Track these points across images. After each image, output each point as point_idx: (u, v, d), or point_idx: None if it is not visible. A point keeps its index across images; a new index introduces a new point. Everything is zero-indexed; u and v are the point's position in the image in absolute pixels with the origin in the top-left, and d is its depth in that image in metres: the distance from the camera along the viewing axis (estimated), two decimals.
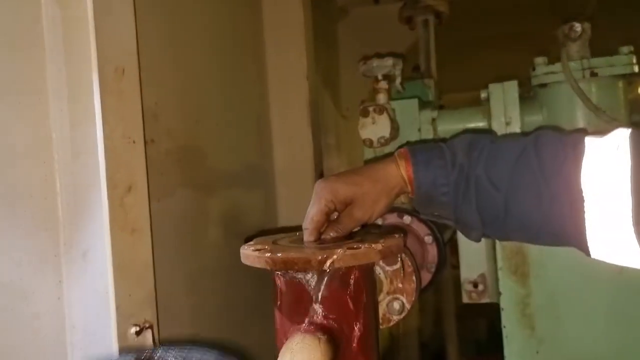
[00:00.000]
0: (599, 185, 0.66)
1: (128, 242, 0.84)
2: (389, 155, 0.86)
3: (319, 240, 0.76)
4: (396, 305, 0.93)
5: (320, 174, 1.76)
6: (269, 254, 0.62)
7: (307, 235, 0.78)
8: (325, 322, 0.63)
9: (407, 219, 1.20)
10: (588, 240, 0.70)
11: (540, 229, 0.72)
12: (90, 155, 0.89)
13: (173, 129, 1.20)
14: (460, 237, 1.22)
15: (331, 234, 0.78)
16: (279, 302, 0.67)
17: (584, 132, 0.83)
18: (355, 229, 0.83)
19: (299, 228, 0.81)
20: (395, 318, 0.94)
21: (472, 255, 1.18)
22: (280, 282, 0.66)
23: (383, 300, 0.94)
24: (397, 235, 0.71)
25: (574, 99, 1.05)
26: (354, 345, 0.64)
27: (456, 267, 1.62)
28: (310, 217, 0.79)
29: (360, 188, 0.81)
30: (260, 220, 1.56)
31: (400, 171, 0.83)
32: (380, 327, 0.95)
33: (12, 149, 0.87)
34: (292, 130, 1.72)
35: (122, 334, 0.82)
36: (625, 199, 0.65)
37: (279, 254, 0.62)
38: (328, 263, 0.60)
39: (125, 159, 0.85)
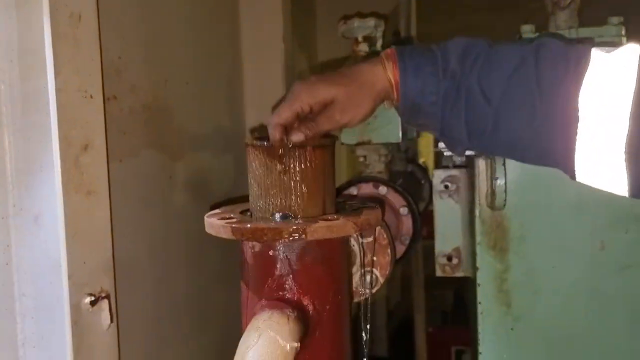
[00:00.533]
0: (598, 106, 0.63)
1: (83, 204, 0.77)
2: (375, 54, 0.79)
3: (282, 140, 0.72)
4: (369, 278, 0.89)
5: None
6: (236, 224, 0.57)
7: (271, 131, 0.74)
8: (295, 297, 0.59)
9: (382, 189, 1.16)
10: (575, 162, 0.67)
11: (528, 147, 0.69)
12: (43, 111, 0.80)
13: (138, 86, 1.11)
14: (437, 210, 1.19)
15: (301, 132, 0.72)
16: (246, 276, 0.62)
17: (591, 42, 0.78)
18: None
19: None
20: (367, 292, 0.91)
21: (448, 229, 1.16)
22: (247, 254, 0.61)
23: (356, 273, 0.90)
24: (375, 208, 0.66)
25: None
26: (325, 321, 0.60)
27: (425, 237, 1.61)
28: (279, 113, 0.74)
29: (343, 89, 0.74)
30: (231, 187, 1.50)
31: (387, 74, 0.76)
32: (353, 300, 0.92)
33: None
34: (266, 94, 1.64)
35: (75, 305, 0.76)
36: (622, 123, 0.61)
37: (248, 224, 0.56)
38: (301, 234, 0.55)
39: (81, 115, 0.77)
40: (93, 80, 0.80)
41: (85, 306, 0.77)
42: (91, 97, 0.79)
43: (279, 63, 1.61)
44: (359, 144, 1.19)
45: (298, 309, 0.57)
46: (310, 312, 0.59)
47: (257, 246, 0.59)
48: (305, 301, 0.59)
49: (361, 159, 1.23)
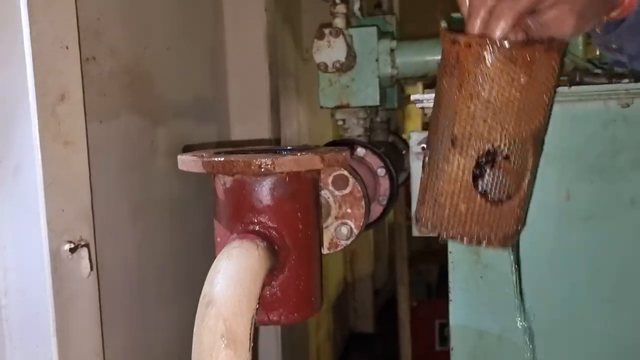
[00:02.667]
0: None
1: (61, 154, 0.78)
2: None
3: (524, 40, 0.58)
4: (344, 230, 0.92)
5: (276, 112, 1.72)
6: (206, 158, 0.59)
7: (502, 24, 0.58)
8: (265, 231, 0.61)
9: (360, 151, 1.18)
10: None
11: None
12: (19, 63, 0.81)
13: (118, 48, 1.12)
14: (413, 171, 1.21)
15: (522, 31, 0.58)
16: (217, 213, 0.64)
17: None
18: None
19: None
20: (343, 243, 0.93)
21: None
22: (219, 190, 0.63)
23: (331, 225, 0.93)
24: (343, 149, 0.68)
25: None
26: (295, 255, 0.63)
27: (410, 218, 1.62)
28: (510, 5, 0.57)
29: None
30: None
31: None
32: (328, 251, 0.94)
33: None
34: (248, 65, 1.65)
35: (54, 251, 0.78)
36: None
37: (218, 158, 0.58)
38: (269, 167, 0.57)
39: (57, 65, 0.78)
40: (68, 32, 0.80)
41: (65, 253, 0.79)
42: (67, 48, 0.79)
43: (261, 33, 1.62)
44: (337, 107, 1.21)
45: (268, 240, 0.59)
46: (280, 245, 0.61)
47: (228, 182, 0.61)
48: (275, 235, 0.61)
49: (340, 123, 1.25)
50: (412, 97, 0.85)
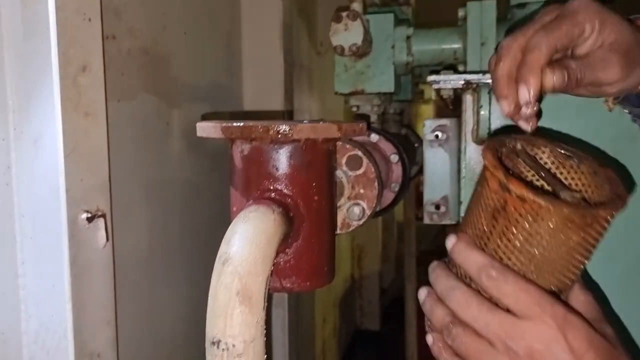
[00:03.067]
0: None
1: (81, 125, 0.80)
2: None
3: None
4: (356, 210, 0.92)
5: (290, 101, 1.73)
6: (226, 123, 0.60)
7: (534, 62, 0.54)
8: (281, 198, 0.62)
9: (374, 137, 1.18)
10: None
11: None
12: (43, 35, 0.83)
13: (137, 28, 1.14)
14: (427, 159, 1.21)
15: (555, 78, 0.54)
16: (234, 181, 0.65)
17: None
18: None
19: None
20: (355, 224, 0.94)
21: (437, 177, 1.18)
22: (236, 158, 0.64)
23: (344, 205, 0.93)
24: (361, 121, 0.69)
25: None
26: (309, 224, 0.63)
27: (420, 218, 1.61)
28: (543, 34, 0.53)
29: (628, 35, 0.56)
30: (227, 144, 1.53)
31: None
32: (340, 232, 0.95)
33: None
34: (263, 53, 1.66)
35: (72, 219, 0.79)
36: None
37: (237, 123, 0.59)
38: (288, 133, 0.58)
39: (79, 36, 0.80)
40: (91, 5, 0.82)
41: (82, 222, 0.81)
42: (89, 20, 0.81)
43: (277, 20, 1.63)
44: (352, 94, 1.22)
45: (283, 207, 0.60)
46: (295, 213, 0.62)
47: (246, 149, 0.62)
48: (291, 202, 0.62)
49: (354, 109, 1.26)
50: (429, 78, 0.86)
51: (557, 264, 0.54)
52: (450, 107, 1.18)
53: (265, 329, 0.53)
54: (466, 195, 0.89)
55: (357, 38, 1.02)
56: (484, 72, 0.83)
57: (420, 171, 1.59)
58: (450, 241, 0.59)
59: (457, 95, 0.91)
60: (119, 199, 0.97)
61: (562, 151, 0.65)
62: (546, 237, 0.52)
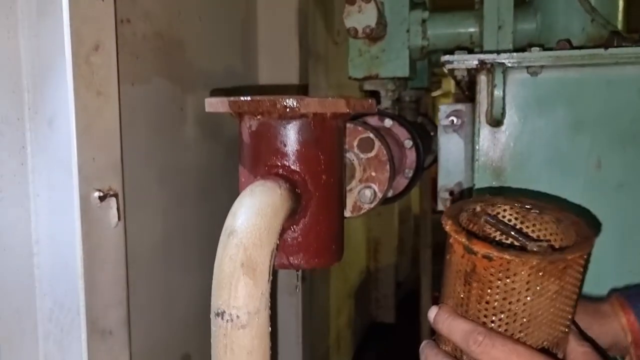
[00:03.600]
0: None
1: (94, 103, 0.80)
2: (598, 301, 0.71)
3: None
4: (368, 193, 0.91)
5: (304, 88, 1.72)
6: (233, 98, 0.59)
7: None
8: (288, 174, 0.61)
9: (388, 122, 1.17)
10: None
11: None
12: (56, 14, 0.84)
13: (152, 13, 1.14)
14: (441, 145, 1.20)
15: None
16: (242, 157, 0.65)
17: None
18: None
19: None
20: (367, 207, 0.93)
21: (451, 163, 1.17)
22: (245, 134, 0.63)
23: (355, 188, 0.93)
24: (370, 98, 0.68)
25: (571, 2, 1.01)
26: (317, 200, 0.63)
27: (437, 212, 1.59)
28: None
29: None
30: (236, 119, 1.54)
31: (619, 324, 0.66)
32: (352, 214, 0.94)
33: None
34: (279, 41, 1.66)
35: (84, 197, 0.80)
36: None
37: (244, 97, 0.59)
38: (295, 107, 0.57)
39: (92, 15, 0.80)
40: None
41: (94, 200, 0.81)
42: (102, 0, 0.81)
43: (292, 9, 1.63)
44: (366, 78, 1.21)
45: (290, 183, 0.60)
46: (303, 190, 0.61)
47: (254, 124, 0.61)
48: (298, 178, 0.61)
49: (368, 95, 1.25)
50: (443, 58, 0.84)
51: (542, 317, 0.53)
52: (466, 92, 1.17)
53: (271, 302, 0.53)
54: (479, 180, 0.88)
55: (370, 20, 1.01)
56: (498, 52, 0.81)
57: (436, 160, 1.57)
58: (432, 313, 0.59)
59: (472, 78, 0.89)
60: (132, 181, 0.98)
61: (522, 205, 0.65)
62: (523, 292, 0.51)
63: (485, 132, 0.88)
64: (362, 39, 1.08)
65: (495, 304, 0.53)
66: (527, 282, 0.52)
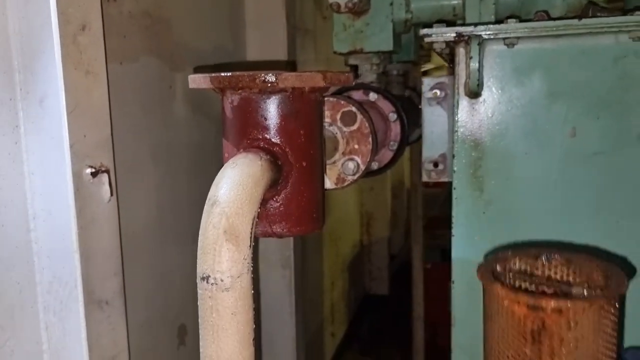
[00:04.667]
0: None
1: (82, 82, 0.83)
2: None
3: None
4: (351, 165, 0.94)
5: (292, 64, 1.74)
6: (215, 74, 0.62)
7: None
8: (269, 147, 0.64)
9: (372, 96, 1.20)
10: None
11: None
12: None
13: None
14: (425, 117, 1.22)
15: None
16: (226, 131, 0.68)
17: None
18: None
19: None
20: (350, 178, 0.96)
21: (435, 135, 1.19)
22: (227, 109, 0.66)
23: (339, 161, 0.96)
24: (346, 71, 0.71)
25: None
26: (298, 172, 0.66)
27: (430, 186, 1.61)
28: None
29: None
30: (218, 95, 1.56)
31: None
32: (335, 186, 0.97)
33: None
34: (267, 16, 1.67)
35: (76, 173, 0.83)
36: None
37: (225, 73, 0.61)
38: (273, 81, 0.60)
39: None
40: None
41: (87, 177, 0.84)
42: None
43: None
44: (351, 53, 1.22)
45: (271, 155, 0.63)
46: (284, 161, 0.64)
47: (235, 99, 0.64)
48: (279, 151, 0.64)
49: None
50: (422, 31, 0.86)
51: (599, 354, 0.57)
52: (450, 65, 1.19)
53: (253, 266, 0.57)
54: (459, 149, 0.91)
55: None
56: (475, 25, 0.84)
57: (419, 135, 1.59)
58: None
59: (452, 50, 0.91)
60: (124, 157, 1.01)
61: (526, 253, 0.68)
62: (590, 334, 0.55)
63: (464, 104, 0.90)
64: (346, 14, 1.10)
65: (564, 350, 0.56)
66: (594, 323, 0.55)
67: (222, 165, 1.49)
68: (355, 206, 3.37)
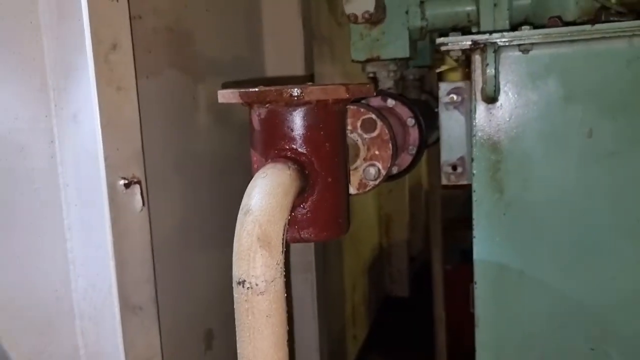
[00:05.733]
0: None
1: (114, 98, 0.87)
2: None
3: None
4: (372, 171, 0.97)
5: (309, 69, 1.77)
6: (243, 89, 0.65)
7: None
8: (296, 156, 0.67)
9: (390, 102, 1.22)
10: None
11: None
12: (76, 17, 0.90)
13: (160, 8, 1.20)
14: (443, 121, 1.25)
15: None
16: (253, 142, 0.71)
17: None
18: None
19: None
20: (371, 184, 0.99)
21: (453, 139, 1.22)
22: (255, 121, 0.69)
23: (360, 167, 0.99)
24: (368, 83, 0.74)
25: None
26: (323, 180, 0.69)
27: (447, 187, 1.64)
28: None
29: None
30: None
31: None
32: (357, 192, 1.00)
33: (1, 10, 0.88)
34: (283, 28, 1.70)
35: (111, 185, 0.87)
36: None
37: (253, 89, 0.65)
38: (300, 95, 0.63)
39: (109, 16, 0.86)
40: None
41: (120, 188, 0.89)
42: (117, 1, 0.87)
43: None
44: (368, 61, 1.25)
45: (298, 164, 0.66)
46: (310, 170, 0.68)
47: (263, 112, 0.67)
48: (305, 160, 0.67)
49: (371, 75, 1.30)
50: (438, 41, 0.89)
51: None
52: (466, 69, 1.21)
53: (285, 271, 0.60)
54: (478, 153, 0.93)
55: (369, 5, 1.06)
56: (490, 32, 0.86)
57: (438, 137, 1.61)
58: None
59: (468, 57, 0.94)
60: (153, 168, 1.05)
61: None
62: None
63: (481, 109, 0.92)
64: (363, 24, 1.13)
65: None
66: None
67: (243, 173, 1.53)
68: (374, 209, 3.39)
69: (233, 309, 0.59)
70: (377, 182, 0.99)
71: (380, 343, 3.17)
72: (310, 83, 0.66)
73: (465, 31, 1.23)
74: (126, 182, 0.89)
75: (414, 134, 1.23)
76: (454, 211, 4.04)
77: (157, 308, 1.01)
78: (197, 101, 1.35)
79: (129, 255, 0.94)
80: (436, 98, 1.80)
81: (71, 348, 1.02)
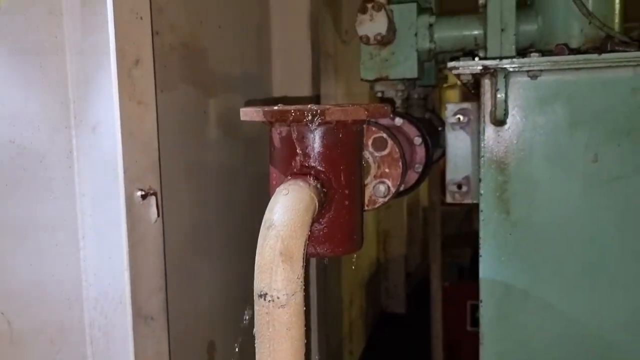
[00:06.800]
0: None
1: (135, 112, 0.89)
2: None
3: None
4: (382, 188, 1.00)
5: (317, 87, 1.81)
6: (266, 108, 0.68)
7: None
8: (316, 173, 0.70)
9: (398, 120, 1.25)
10: None
11: None
12: (99, 32, 0.93)
13: (177, 25, 1.23)
14: (449, 141, 1.28)
15: None
16: (274, 160, 0.73)
17: None
18: None
19: None
20: (381, 200, 1.01)
21: (459, 158, 1.25)
22: (275, 139, 0.72)
23: (370, 184, 1.01)
24: (386, 104, 0.76)
25: (570, 5, 1.08)
26: (341, 197, 0.71)
27: (446, 204, 1.66)
28: None
29: None
30: (260, 127, 1.62)
31: None
32: (367, 208, 1.03)
33: (26, 24, 0.91)
34: (292, 44, 1.74)
35: (129, 196, 0.89)
36: None
37: (276, 107, 0.67)
38: (321, 114, 0.66)
39: (133, 32, 0.89)
40: (143, 4, 0.91)
41: (137, 199, 0.91)
42: (141, 18, 0.90)
43: (304, 11, 1.71)
44: (377, 80, 1.29)
45: (318, 182, 0.68)
46: (328, 187, 0.70)
47: (284, 131, 0.70)
48: (324, 177, 0.70)
49: (379, 94, 1.33)
50: (449, 64, 0.92)
51: None
52: (472, 91, 1.24)
53: (304, 285, 0.62)
54: (485, 174, 0.96)
55: (381, 28, 1.09)
56: (500, 58, 0.89)
57: (444, 154, 1.64)
58: None
59: (477, 80, 0.97)
60: (167, 180, 1.07)
61: None
62: None
63: (489, 131, 0.95)
64: (374, 45, 1.16)
65: None
66: None
67: (247, 184, 1.55)
68: (372, 224, 3.41)
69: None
70: (386, 199, 1.02)
71: (377, 359, 3.17)
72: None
73: (472, 53, 1.26)
74: (143, 193, 0.91)
75: (420, 153, 1.26)
76: (452, 228, 4.07)
77: (167, 318, 1.03)
78: (208, 115, 1.38)
79: (143, 265, 0.96)
80: (438, 116, 1.85)
81: (79, 357, 1.03)
